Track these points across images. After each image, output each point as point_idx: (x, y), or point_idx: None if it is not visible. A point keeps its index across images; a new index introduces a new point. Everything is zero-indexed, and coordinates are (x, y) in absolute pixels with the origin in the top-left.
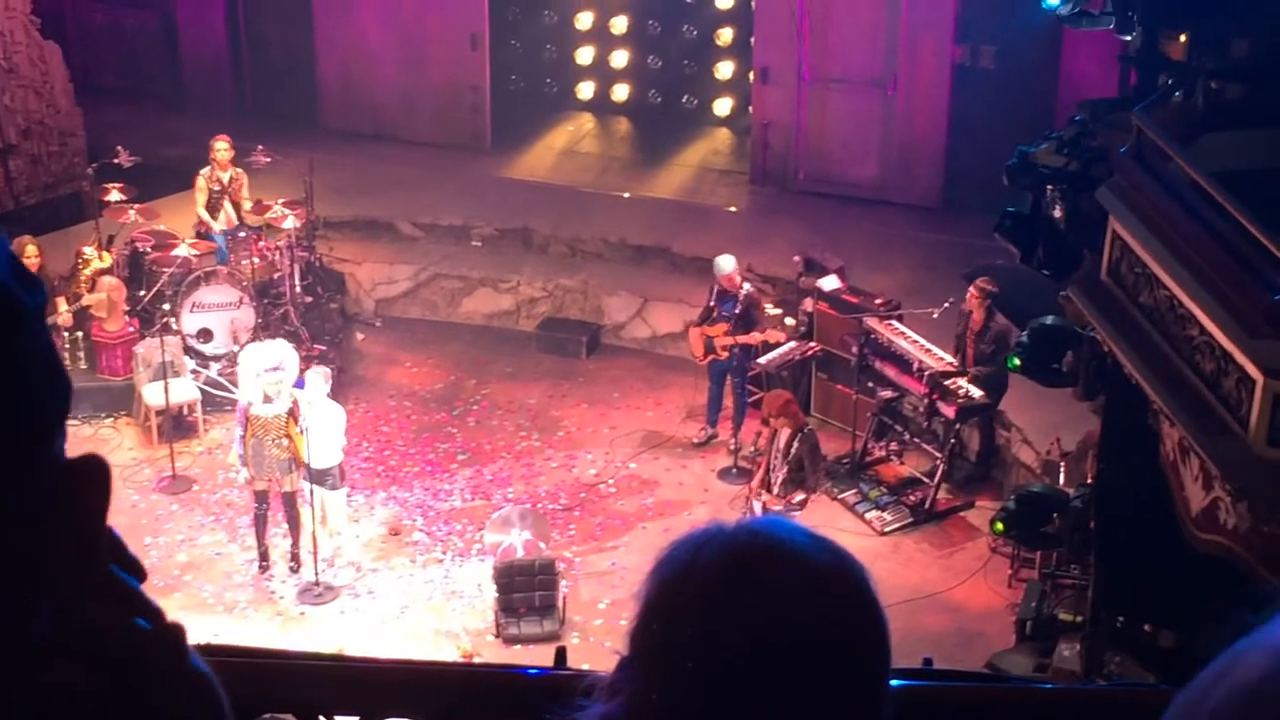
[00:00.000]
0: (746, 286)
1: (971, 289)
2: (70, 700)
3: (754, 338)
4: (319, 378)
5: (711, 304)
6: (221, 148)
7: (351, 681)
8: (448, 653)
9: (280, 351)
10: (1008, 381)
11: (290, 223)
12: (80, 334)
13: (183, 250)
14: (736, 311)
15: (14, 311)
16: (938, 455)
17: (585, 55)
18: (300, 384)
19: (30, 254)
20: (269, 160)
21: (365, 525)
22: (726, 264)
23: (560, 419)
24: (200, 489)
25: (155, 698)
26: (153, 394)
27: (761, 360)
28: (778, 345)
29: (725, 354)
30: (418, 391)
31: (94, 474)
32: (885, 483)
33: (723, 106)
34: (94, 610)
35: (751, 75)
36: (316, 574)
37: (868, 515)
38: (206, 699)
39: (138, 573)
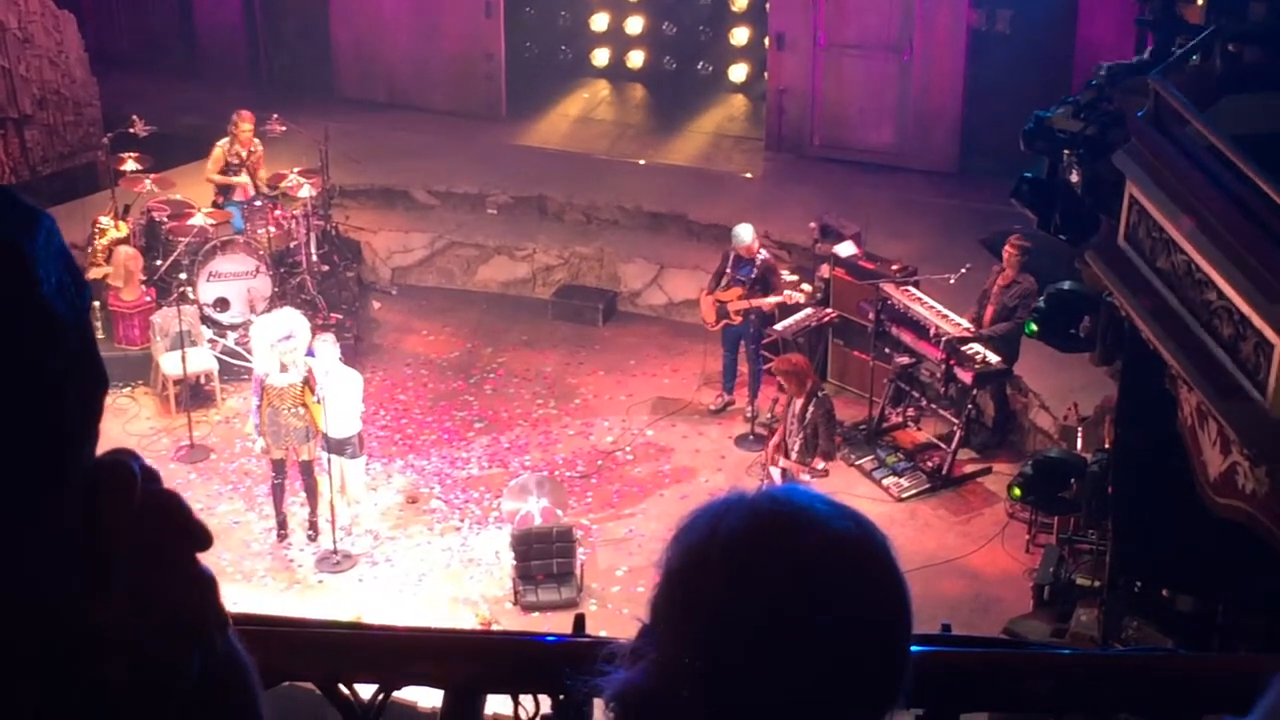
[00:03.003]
0: (763, 253)
1: (1008, 246)
2: (119, 687)
3: (770, 301)
4: (327, 345)
5: (726, 269)
6: (246, 128)
7: (369, 649)
8: (465, 620)
9: (290, 320)
10: (1020, 342)
11: (306, 191)
12: (97, 304)
13: (199, 220)
14: (753, 276)
15: (49, 327)
16: (955, 421)
17: (600, 22)
18: (312, 354)
19: None
20: (284, 129)
21: (383, 493)
22: (746, 234)
23: (577, 386)
24: (218, 458)
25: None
26: (170, 363)
27: (778, 327)
28: (795, 308)
29: (739, 318)
30: (434, 360)
31: (120, 478)
32: (902, 449)
33: (738, 73)
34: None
35: (767, 41)
36: (334, 542)
37: (885, 481)
38: (236, 679)
39: (199, 540)
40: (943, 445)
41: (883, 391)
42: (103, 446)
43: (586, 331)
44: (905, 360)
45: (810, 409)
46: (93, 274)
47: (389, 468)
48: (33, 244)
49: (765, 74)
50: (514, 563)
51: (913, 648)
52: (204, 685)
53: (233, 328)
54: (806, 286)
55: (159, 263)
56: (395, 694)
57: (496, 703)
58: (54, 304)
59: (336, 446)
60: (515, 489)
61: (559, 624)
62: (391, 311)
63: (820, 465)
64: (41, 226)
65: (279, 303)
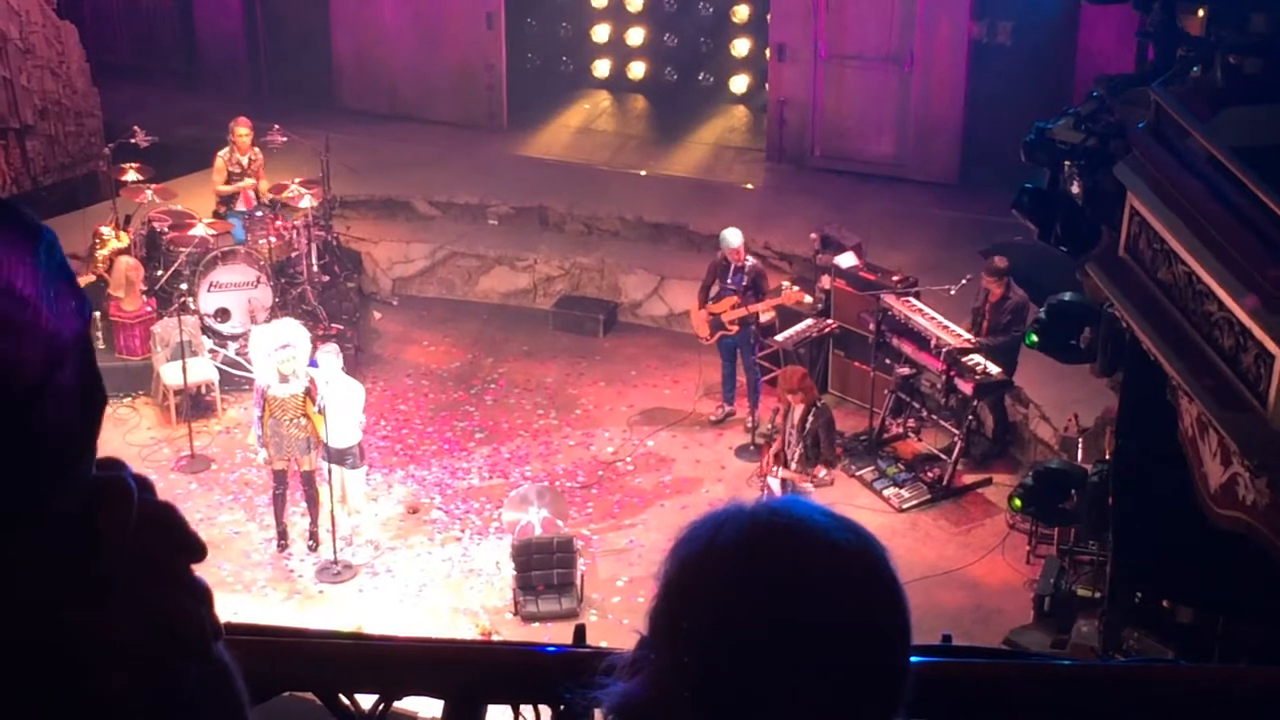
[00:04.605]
0: (751, 259)
1: (985, 275)
2: (114, 703)
3: (767, 304)
4: (330, 355)
5: (719, 280)
6: (243, 133)
7: (370, 660)
8: (466, 631)
9: (288, 329)
10: (1018, 353)
11: (307, 202)
12: (98, 314)
13: (200, 230)
14: (744, 284)
15: (50, 343)
16: (955, 432)
17: (601, 33)
18: (314, 364)
19: None
20: (285, 140)
21: (383, 504)
22: (735, 238)
23: (577, 397)
24: (218, 468)
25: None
26: (171, 373)
27: (779, 337)
28: (796, 315)
29: (735, 328)
30: (435, 370)
31: (118, 492)
32: (903, 459)
33: (739, 84)
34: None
35: (768, 52)
36: (335, 552)
37: (885, 492)
38: (225, 689)
39: (195, 552)
40: (943, 456)
41: (883, 402)
42: (99, 456)
43: (587, 342)
44: (906, 371)
45: (810, 419)
46: (81, 280)
47: (390, 478)
48: (35, 258)
49: (766, 85)
50: (514, 573)
51: (913, 659)
52: (199, 694)
53: (233, 338)
54: (808, 298)
55: (160, 273)
56: (395, 704)
57: (497, 713)
58: (54, 318)
59: (337, 456)
60: (516, 499)
61: (559, 634)
62: (392, 322)
63: (822, 474)
64: (42, 240)
65: (280, 313)
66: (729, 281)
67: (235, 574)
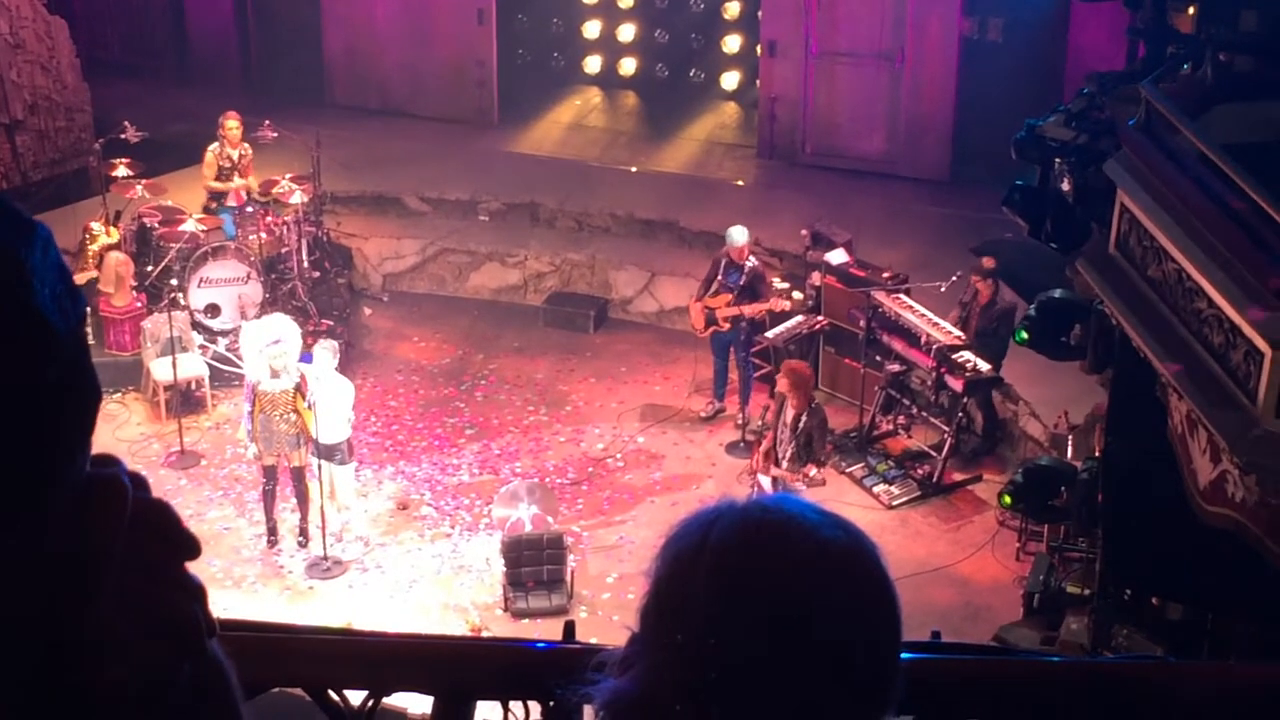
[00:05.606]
0: (752, 260)
1: (974, 278)
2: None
3: (757, 307)
4: (326, 352)
5: (718, 276)
6: (233, 126)
7: (360, 655)
8: (456, 627)
9: (279, 325)
10: (1004, 354)
11: (298, 198)
12: (88, 309)
13: (190, 225)
14: (741, 283)
15: (44, 337)
16: (945, 429)
17: (592, 29)
18: (307, 358)
19: None
20: (276, 135)
21: (373, 500)
22: (740, 236)
23: (568, 393)
24: (208, 464)
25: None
26: (160, 369)
27: (769, 334)
28: (783, 314)
29: (727, 325)
30: (425, 366)
31: (112, 490)
32: (893, 456)
33: (730, 80)
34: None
35: (759, 49)
36: (325, 548)
37: (875, 489)
38: (220, 687)
39: (189, 550)
40: (933, 453)
41: (873, 399)
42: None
43: (578, 338)
44: (896, 368)
45: (804, 418)
46: (79, 278)
47: (380, 474)
48: (30, 254)
49: (757, 81)
50: (504, 569)
51: (903, 655)
52: (193, 692)
53: (223, 334)
54: (798, 294)
55: (150, 268)
56: (385, 700)
57: (486, 709)
58: (49, 314)
59: (326, 453)
60: (506, 496)
61: (549, 631)
62: (383, 318)
63: (814, 472)
64: (38, 237)
65: (270, 309)
66: (727, 279)
67: (225, 570)
